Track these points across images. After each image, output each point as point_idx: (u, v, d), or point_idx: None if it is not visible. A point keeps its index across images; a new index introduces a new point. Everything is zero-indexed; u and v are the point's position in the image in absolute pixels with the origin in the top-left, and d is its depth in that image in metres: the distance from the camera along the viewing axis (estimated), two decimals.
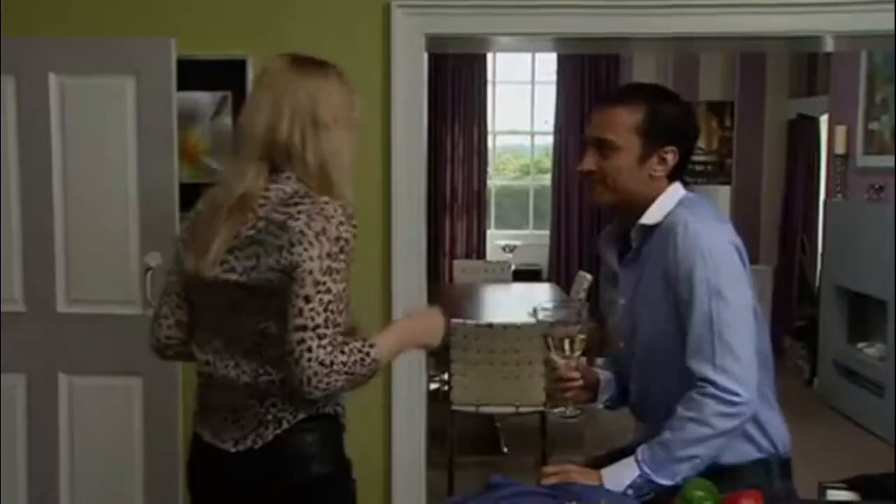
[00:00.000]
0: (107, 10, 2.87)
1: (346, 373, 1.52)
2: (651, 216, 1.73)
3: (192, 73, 2.79)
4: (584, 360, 1.85)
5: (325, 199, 1.57)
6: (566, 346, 1.76)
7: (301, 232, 1.52)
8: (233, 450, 1.64)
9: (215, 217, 1.62)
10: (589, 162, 1.77)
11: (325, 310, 1.51)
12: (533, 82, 7.71)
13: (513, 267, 6.58)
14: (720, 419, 1.56)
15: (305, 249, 1.51)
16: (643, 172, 1.74)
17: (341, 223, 1.55)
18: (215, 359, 1.67)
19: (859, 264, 5.25)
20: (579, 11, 2.79)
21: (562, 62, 7.31)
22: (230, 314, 1.62)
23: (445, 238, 7.43)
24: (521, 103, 7.74)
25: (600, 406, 1.94)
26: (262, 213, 1.58)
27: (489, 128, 7.53)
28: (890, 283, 4.73)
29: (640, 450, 1.60)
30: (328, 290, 1.52)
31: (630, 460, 1.60)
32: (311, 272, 1.51)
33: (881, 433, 4.79)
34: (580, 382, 1.84)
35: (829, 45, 3.31)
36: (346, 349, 1.53)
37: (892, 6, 2.67)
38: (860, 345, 5.34)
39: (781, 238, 6.98)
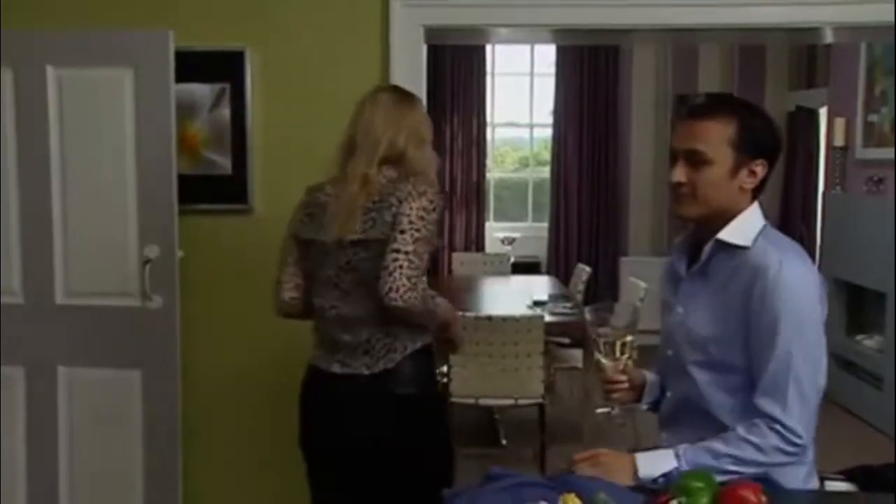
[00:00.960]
0: (104, 2, 2.86)
1: (420, 298, 2.00)
2: (731, 234, 1.73)
3: (191, 65, 2.79)
4: (631, 362, 1.86)
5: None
6: (617, 349, 1.77)
7: (408, 192, 2.06)
8: (366, 372, 2.09)
9: (347, 199, 2.09)
10: (680, 173, 1.74)
11: (414, 243, 2.01)
12: (532, 74, 7.69)
13: (511, 259, 6.58)
14: (778, 454, 1.62)
15: (407, 203, 2.04)
16: (734, 185, 1.73)
17: (435, 193, 2.09)
18: (341, 304, 2.12)
19: (858, 257, 5.25)
20: (578, 3, 2.79)
21: (561, 54, 7.30)
22: (354, 268, 2.08)
23: (444, 230, 7.43)
24: (520, 95, 7.73)
25: (644, 407, 1.95)
26: (377, 191, 2.08)
27: (488, 120, 7.51)
28: (889, 275, 4.73)
29: (682, 447, 1.66)
30: (419, 230, 2.02)
31: (668, 452, 1.65)
32: (408, 215, 2.03)
33: (880, 425, 4.80)
34: (626, 385, 1.86)
35: (828, 37, 3.31)
36: (423, 282, 2.03)
37: None
38: (859, 337, 5.35)
39: (780, 230, 6.95)
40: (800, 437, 1.62)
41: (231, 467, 3.03)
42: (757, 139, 1.73)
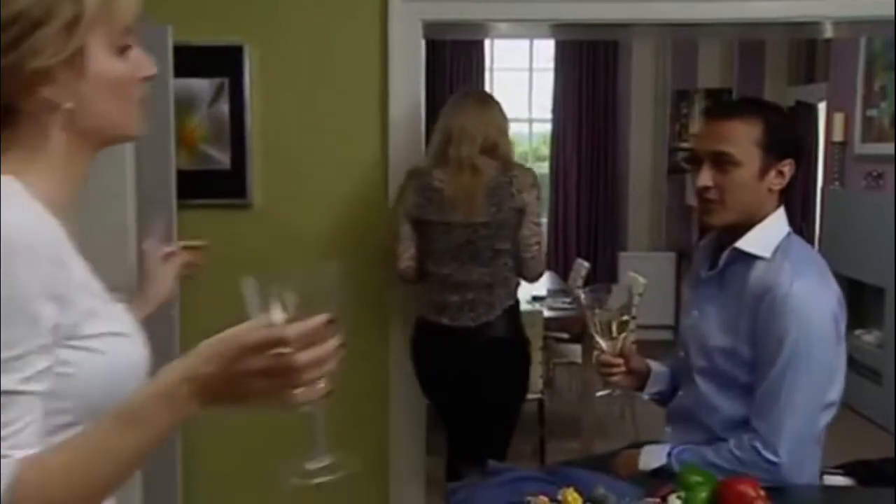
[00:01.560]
0: None
1: (540, 272, 2.75)
2: (750, 243, 1.70)
3: (190, 60, 2.78)
4: (633, 346, 1.84)
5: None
6: (613, 328, 1.73)
7: (529, 184, 2.63)
8: (472, 325, 2.63)
9: (464, 186, 2.59)
10: (706, 177, 1.70)
11: (538, 225, 2.65)
12: (531, 69, 7.69)
13: None
14: (755, 470, 1.58)
15: (529, 193, 2.61)
16: (763, 187, 1.71)
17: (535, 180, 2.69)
18: (456, 271, 2.63)
19: (857, 252, 5.25)
20: None
21: (560, 49, 7.29)
22: (473, 243, 2.60)
23: None
24: (520, 90, 7.72)
25: (646, 397, 1.92)
26: (491, 178, 2.59)
27: None
28: (888, 270, 4.73)
29: (677, 448, 1.68)
30: (539, 216, 2.68)
31: (665, 448, 1.70)
32: (530, 204, 2.62)
33: (879, 420, 4.80)
34: (623, 368, 1.81)
35: (828, 32, 3.30)
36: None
37: None
38: (858, 332, 5.35)
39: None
40: (777, 456, 1.58)
41: (231, 469, 3.02)
42: (783, 139, 1.71)
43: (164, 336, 2.81)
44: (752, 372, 1.65)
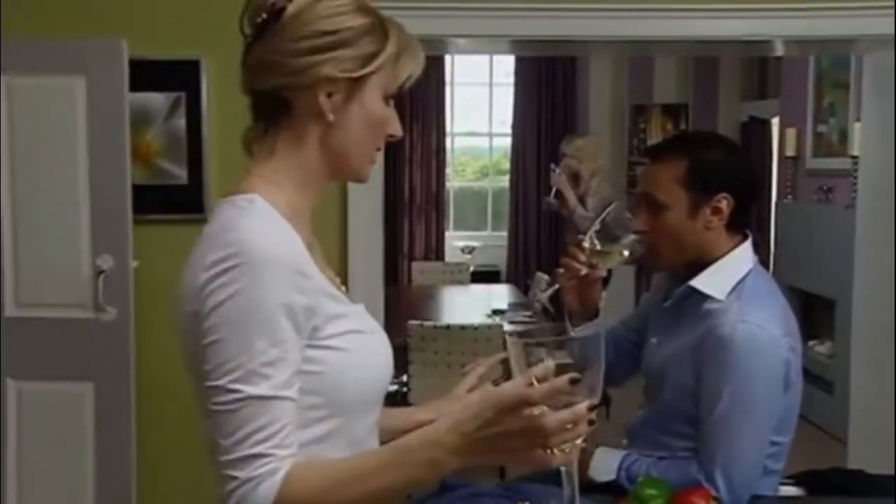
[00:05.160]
0: (57, 10, 2.82)
1: None
2: (704, 283, 1.64)
3: (145, 74, 2.76)
4: (601, 280, 1.74)
5: None
6: (609, 260, 1.68)
7: None
8: None
9: None
10: (641, 221, 1.69)
11: None
12: (491, 84, 7.74)
13: (471, 268, 6.60)
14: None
15: None
16: (697, 226, 1.65)
17: None
18: None
19: (809, 264, 5.36)
20: (536, 14, 2.81)
21: (519, 64, 7.35)
22: None
23: (404, 240, 7.42)
24: (479, 105, 7.77)
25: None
26: None
27: (447, 129, 7.54)
28: (838, 282, 4.84)
29: (628, 459, 1.67)
30: None
31: (617, 459, 1.67)
32: None
33: (830, 430, 4.89)
34: (583, 271, 1.72)
35: (778, 50, 3.38)
36: None
37: (836, 13, 2.75)
38: (811, 343, 5.45)
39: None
40: (718, 492, 1.54)
41: (187, 482, 2.98)
42: (712, 173, 1.65)
43: (118, 350, 2.78)
44: (698, 407, 1.62)
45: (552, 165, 5.39)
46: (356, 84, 1.13)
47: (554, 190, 5.43)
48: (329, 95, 1.13)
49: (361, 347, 1.14)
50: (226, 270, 1.03)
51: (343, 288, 1.22)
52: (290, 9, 1.13)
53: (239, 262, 1.03)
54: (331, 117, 1.13)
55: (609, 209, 1.73)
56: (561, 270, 1.77)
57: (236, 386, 1.01)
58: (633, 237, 1.71)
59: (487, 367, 1.43)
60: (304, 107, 1.14)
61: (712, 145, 1.73)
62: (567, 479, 1.04)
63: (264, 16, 1.16)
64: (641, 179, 1.72)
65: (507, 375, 1.31)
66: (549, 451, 0.96)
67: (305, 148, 1.17)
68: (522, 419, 0.96)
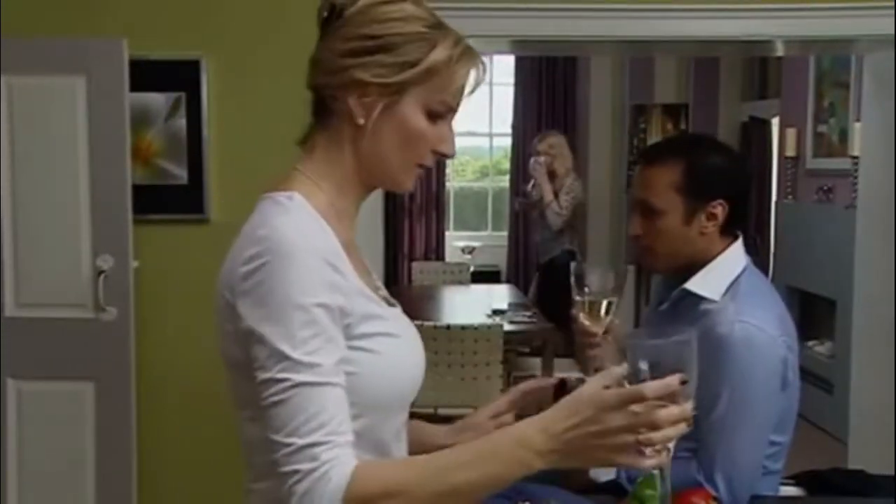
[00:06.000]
0: (57, 10, 2.82)
1: None
2: (698, 285, 1.64)
3: (146, 74, 2.76)
4: (617, 322, 1.70)
5: None
6: (602, 309, 1.61)
7: None
8: None
9: None
10: (635, 226, 1.68)
11: None
12: (491, 84, 7.74)
13: (471, 268, 6.60)
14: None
15: None
16: (692, 231, 1.64)
17: None
18: None
19: (809, 264, 5.36)
20: (537, 14, 2.81)
21: (519, 64, 7.35)
22: None
23: (404, 240, 7.42)
24: (480, 105, 7.77)
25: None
26: None
27: None
28: (838, 282, 4.84)
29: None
30: None
31: None
32: None
33: (831, 430, 4.89)
34: (600, 337, 1.66)
35: (779, 50, 3.38)
36: None
37: (837, 13, 2.75)
38: (810, 343, 5.46)
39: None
40: (717, 491, 1.55)
41: (187, 482, 2.98)
42: (709, 180, 1.64)
43: (118, 350, 2.79)
44: (697, 408, 1.63)
45: (532, 158, 5.46)
46: (390, 91, 1.12)
47: (532, 182, 5.50)
48: (361, 99, 1.12)
49: (392, 351, 1.14)
50: (262, 265, 1.03)
51: (383, 291, 1.22)
52: (350, 10, 1.13)
53: (272, 256, 1.03)
54: (361, 121, 1.13)
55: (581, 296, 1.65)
56: (593, 351, 1.70)
57: (283, 375, 1.01)
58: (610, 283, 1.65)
59: (517, 396, 1.42)
60: (340, 108, 1.14)
61: (708, 150, 1.71)
62: (661, 480, 1.06)
63: (325, 14, 1.16)
64: (636, 183, 1.69)
65: (538, 408, 1.34)
66: (643, 452, 0.98)
67: (340, 150, 1.17)
68: (629, 415, 0.96)
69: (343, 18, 1.14)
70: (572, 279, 1.61)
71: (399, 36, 1.11)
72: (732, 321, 1.57)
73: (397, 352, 1.15)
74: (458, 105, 1.18)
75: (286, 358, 1.01)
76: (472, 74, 1.17)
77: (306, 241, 1.06)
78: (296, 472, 0.99)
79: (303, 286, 1.03)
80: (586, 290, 1.57)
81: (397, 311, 1.21)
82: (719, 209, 1.66)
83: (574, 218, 5.59)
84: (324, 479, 0.98)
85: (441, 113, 1.16)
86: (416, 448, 1.06)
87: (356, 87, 1.12)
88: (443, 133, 1.18)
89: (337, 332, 1.06)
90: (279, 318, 1.02)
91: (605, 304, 1.62)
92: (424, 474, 1.02)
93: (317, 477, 0.98)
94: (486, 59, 1.23)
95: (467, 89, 1.18)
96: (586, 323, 1.62)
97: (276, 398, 1.01)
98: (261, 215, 1.11)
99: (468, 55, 1.16)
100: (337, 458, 0.99)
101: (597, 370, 1.69)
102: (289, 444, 1.00)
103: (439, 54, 1.12)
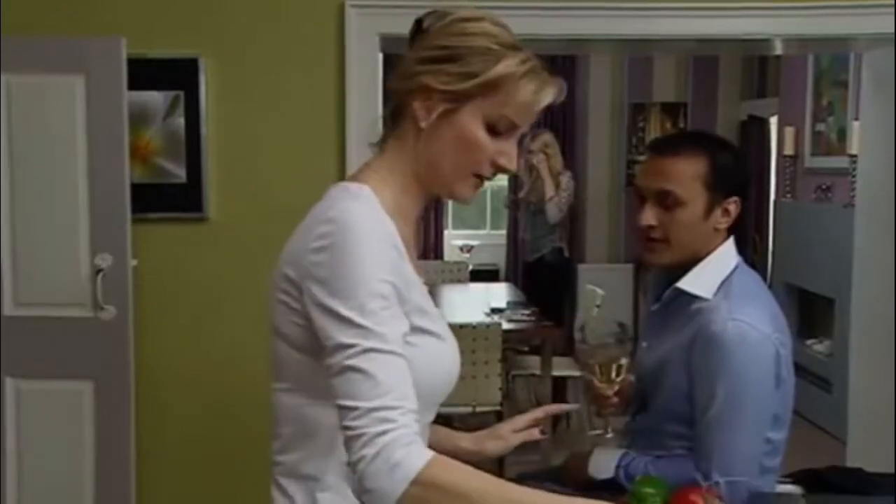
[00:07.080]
0: (56, 8, 2.82)
1: None
2: (691, 283, 1.64)
3: (144, 73, 2.76)
4: (630, 378, 1.77)
5: None
6: (612, 372, 1.67)
7: None
8: None
9: None
10: (649, 216, 1.64)
11: None
12: None
13: (470, 267, 6.60)
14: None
15: None
16: (708, 226, 1.65)
17: None
18: None
19: (808, 263, 5.37)
20: (535, 13, 2.81)
21: None
22: None
23: None
24: None
25: (628, 419, 1.87)
26: None
27: None
28: (837, 281, 4.84)
29: (626, 458, 1.68)
30: None
31: (615, 459, 1.69)
32: None
33: (828, 428, 4.90)
34: (616, 400, 1.74)
35: (778, 49, 3.38)
36: None
37: (836, 11, 2.75)
38: (809, 341, 5.46)
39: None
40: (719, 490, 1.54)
41: (186, 480, 2.98)
42: (729, 176, 1.65)
43: (117, 349, 2.79)
44: (693, 407, 1.62)
45: (531, 150, 5.51)
46: (451, 98, 1.18)
47: (534, 176, 5.55)
48: (424, 102, 1.19)
49: (434, 350, 1.19)
50: (333, 243, 1.09)
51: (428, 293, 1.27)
52: (437, 24, 1.23)
53: (344, 234, 1.09)
54: (423, 124, 1.19)
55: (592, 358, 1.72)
56: (608, 412, 1.77)
57: (352, 340, 1.05)
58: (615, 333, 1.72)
59: (545, 414, 1.49)
60: (407, 111, 1.21)
61: (727, 146, 1.73)
62: None
63: (414, 26, 1.26)
64: (650, 172, 1.66)
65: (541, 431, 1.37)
66: None
67: (405, 151, 1.23)
68: None
69: (429, 32, 1.23)
70: (578, 334, 1.65)
71: (467, 48, 1.19)
72: (726, 319, 1.57)
73: (438, 351, 1.21)
74: (523, 123, 1.22)
75: (356, 326, 1.05)
76: (544, 94, 1.22)
77: (375, 225, 1.12)
78: (363, 434, 1.01)
79: (372, 263, 1.08)
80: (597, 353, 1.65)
81: (440, 313, 1.27)
82: (733, 206, 1.67)
83: (566, 216, 5.70)
84: (396, 443, 1.01)
85: (503, 128, 1.20)
86: (436, 449, 1.08)
87: (422, 92, 1.19)
88: (504, 148, 1.22)
89: (400, 311, 1.11)
90: (349, 292, 1.06)
91: (615, 367, 1.66)
92: (489, 489, 1.04)
93: (388, 441, 1.01)
94: None
95: (537, 107, 1.22)
96: (601, 387, 1.67)
97: (345, 363, 1.05)
98: (331, 199, 1.17)
99: (534, 74, 1.21)
100: (409, 427, 1.03)
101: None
102: (356, 408, 1.03)
103: (502, 69, 1.18)
